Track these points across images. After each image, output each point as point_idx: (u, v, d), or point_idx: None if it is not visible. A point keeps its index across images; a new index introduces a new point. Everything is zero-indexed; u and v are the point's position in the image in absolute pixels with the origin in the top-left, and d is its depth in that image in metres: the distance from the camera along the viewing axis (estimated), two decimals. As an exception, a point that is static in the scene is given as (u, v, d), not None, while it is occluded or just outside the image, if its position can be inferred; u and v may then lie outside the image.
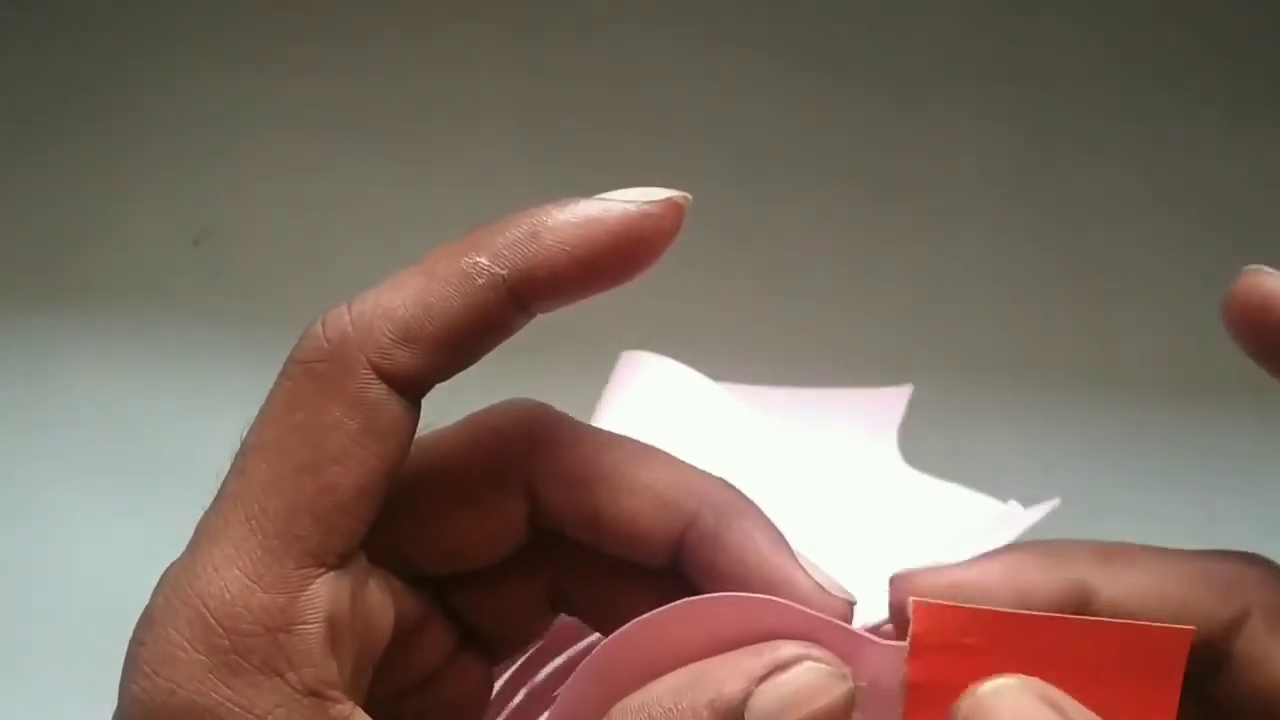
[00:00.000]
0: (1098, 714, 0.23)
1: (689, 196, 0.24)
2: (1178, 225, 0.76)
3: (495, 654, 0.27)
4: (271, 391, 0.24)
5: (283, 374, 0.24)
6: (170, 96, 0.75)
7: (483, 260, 0.23)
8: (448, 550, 0.26)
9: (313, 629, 0.22)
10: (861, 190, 0.75)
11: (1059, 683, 0.23)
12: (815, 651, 0.23)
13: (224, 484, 0.24)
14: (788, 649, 0.23)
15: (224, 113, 0.75)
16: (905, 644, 0.23)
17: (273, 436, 0.23)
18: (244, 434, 0.24)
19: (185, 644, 0.22)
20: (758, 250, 0.73)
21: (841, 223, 0.74)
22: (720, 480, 0.26)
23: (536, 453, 0.25)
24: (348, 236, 0.72)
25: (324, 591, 0.22)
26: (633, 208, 0.23)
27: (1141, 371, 0.73)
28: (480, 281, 0.23)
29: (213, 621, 0.22)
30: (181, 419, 0.68)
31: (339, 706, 0.22)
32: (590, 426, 0.26)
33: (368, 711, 0.23)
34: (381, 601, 0.24)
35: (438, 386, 0.24)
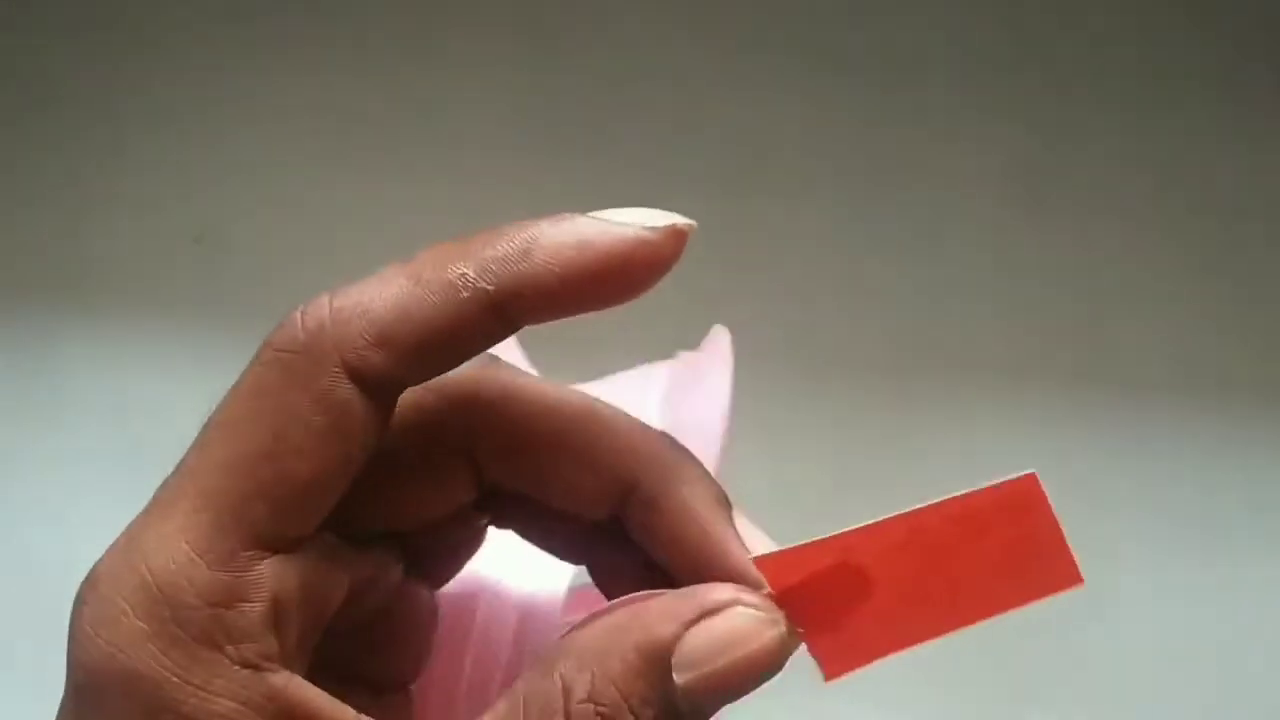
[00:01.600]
0: (999, 581, 0.23)
1: (693, 224, 0.24)
2: (1178, 225, 0.76)
3: (439, 577, 0.27)
4: (244, 372, 0.24)
5: (257, 356, 0.24)
6: (171, 96, 0.75)
7: (470, 272, 0.23)
8: (396, 514, 0.26)
9: (255, 607, 0.22)
10: (861, 189, 0.75)
11: (936, 566, 0.23)
12: (747, 596, 0.23)
13: (184, 456, 0.24)
14: (720, 592, 0.23)
15: (224, 112, 0.75)
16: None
17: (236, 416, 0.23)
18: (210, 409, 0.24)
19: (128, 609, 0.22)
20: (756, 248, 0.73)
21: (841, 221, 0.74)
22: (665, 440, 0.25)
23: (478, 417, 0.25)
24: (348, 236, 0.72)
25: (270, 572, 0.22)
26: (630, 232, 0.23)
27: (1140, 371, 0.73)
28: (464, 294, 0.23)
29: (156, 590, 0.22)
30: (182, 418, 0.68)
31: (276, 676, 0.22)
32: (537, 384, 0.26)
33: (317, 655, 0.24)
34: (333, 574, 0.24)
35: None
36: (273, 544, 0.22)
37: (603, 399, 0.26)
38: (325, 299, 0.24)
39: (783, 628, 0.23)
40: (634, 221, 0.23)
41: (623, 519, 0.25)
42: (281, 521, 0.22)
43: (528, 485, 0.25)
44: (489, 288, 0.23)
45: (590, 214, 0.24)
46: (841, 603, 0.23)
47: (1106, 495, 0.69)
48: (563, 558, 0.27)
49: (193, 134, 0.74)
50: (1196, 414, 0.72)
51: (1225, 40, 0.79)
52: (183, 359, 0.70)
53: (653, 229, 0.23)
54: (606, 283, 0.23)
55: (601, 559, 0.26)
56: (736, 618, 0.23)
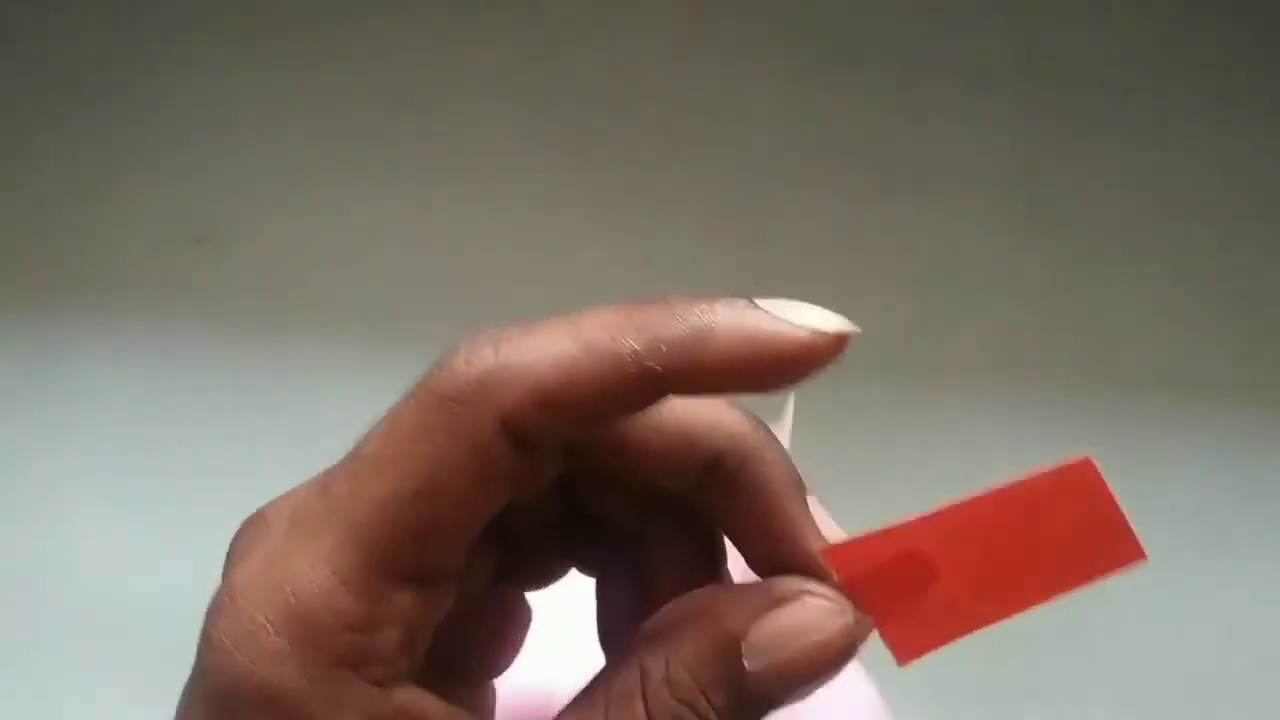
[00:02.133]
0: (1062, 562, 0.23)
1: (857, 330, 0.24)
2: (1178, 225, 0.76)
3: (531, 580, 0.28)
4: (399, 408, 0.24)
5: (414, 396, 0.23)
6: (173, 97, 0.75)
7: (640, 349, 0.23)
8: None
9: (392, 633, 0.23)
10: (861, 187, 0.75)
11: (998, 550, 0.23)
12: (816, 587, 0.24)
13: (332, 480, 0.24)
14: (789, 583, 0.24)
15: (226, 113, 0.75)
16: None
17: (393, 455, 0.23)
18: (359, 436, 0.24)
19: (268, 626, 0.23)
20: (755, 247, 0.73)
21: (841, 221, 0.74)
22: (751, 420, 0.26)
23: None
24: (348, 235, 0.72)
25: (408, 603, 0.23)
26: (802, 335, 0.23)
27: (1140, 371, 0.73)
28: (630, 370, 0.23)
29: (298, 612, 0.23)
30: (183, 416, 0.69)
31: (403, 693, 0.23)
32: None
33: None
34: (450, 586, 0.25)
35: None
36: (414, 577, 0.23)
37: None
38: (489, 347, 0.23)
39: (850, 617, 0.23)
40: (806, 323, 0.23)
41: (701, 493, 0.25)
42: (425, 560, 0.23)
43: (614, 449, 0.25)
44: (657, 368, 0.23)
45: (763, 304, 0.24)
46: (908, 589, 0.24)
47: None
48: (622, 537, 0.27)
49: (194, 136, 0.74)
50: (1196, 414, 0.72)
51: (1226, 42, 0.79)
52: (183, 358, 0.70)
53: (822, 334, 0.23)
54: (769, 376, 0.23)
55: (660, 544, 0.27)
56: (805, 608, 0.23)
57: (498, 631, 0.27)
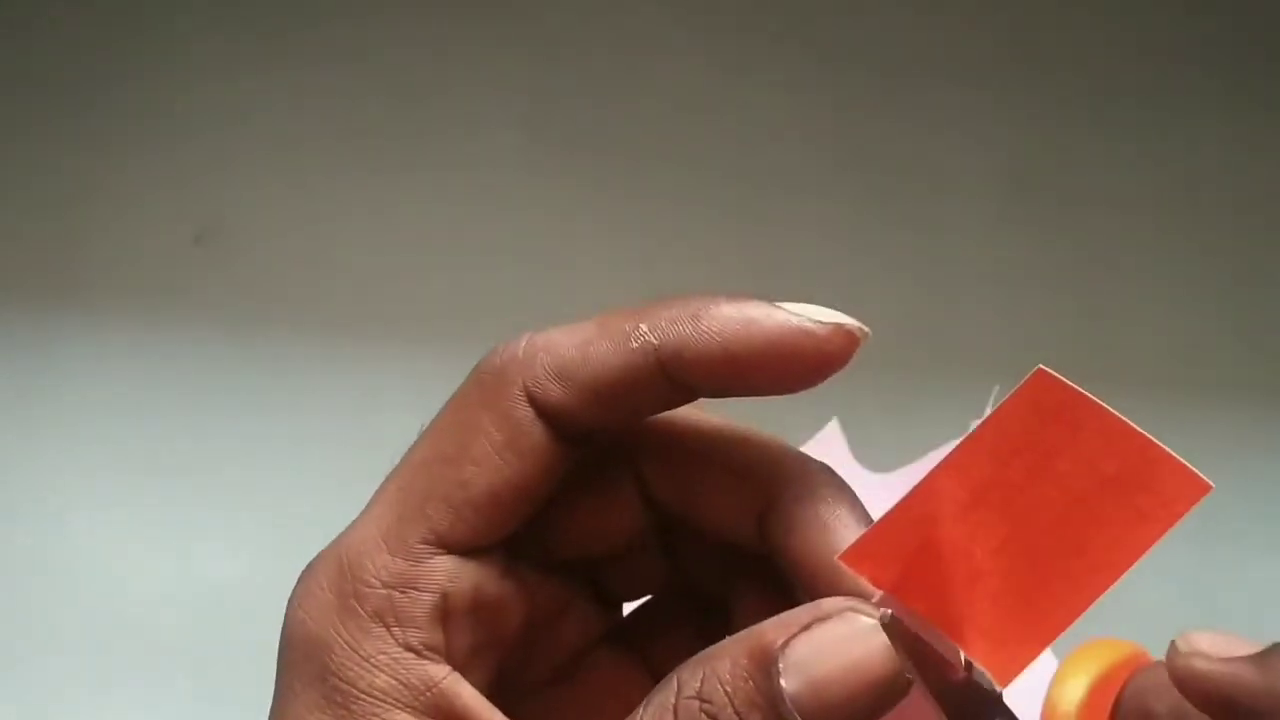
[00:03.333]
0: (1105, 514, 0.22)
1: (866, 330, 0.25)
2: (1178, 224, 0.76)
3: (658, 671, 0.27)
4: (459, 387, 0.26)
5: (468, 376, 0.26)
6: (171, 95, 0.75)
7: (643, 327, 0.24)
8: (572, 532, 0.27)
9: (425, 597, 0.24)
10: (861, 186, 0.75)
11: (1027, 520, 0.21)
12: (859, 605, 0.23)
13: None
14: (833, 602, 0.23)
15: (225, 112, 0.75)
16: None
17: (438, 424, 0.25)
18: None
19: (323, 583, 0.24)
20: (755, 246, 0.73)
21: (841, 220, 0.74)
22: (809, 462, 0.26)
23: (641, 434, 0.26)
24: (347, 235, 0.72)
25: (444, 568, 0.24)
26: (795, 321, 0.24)
27: (1140, 371, 0.73)
28: (634, 345, 0.24)
29: (345, 567, 0.24)
30: (182, 416, 0.69)
31: (436, 667, 0.24)
32: (698, 409, 0.27)
33: (508, 698, 0.25)
34: (514, 593, 0.25)
35: None
36: (448, 543, 0.24)
37: None
38: (526, 334, 0.25)
39: (893, 630, 0.22)
40: (804, 314, 0.24)
41: (763, 538, 0.25)
42: (458, 524, 0.24)
43: (681, 500, 0.26)
44: (655, 343, 0.24)
45: (770, 301, 0.25)
46: (961, 587, 0.22)
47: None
48: (712, 596, 0.27)
49: (193, 134, 0.74)
50: (1196, 414, 0.72)
51: (1226, 40, 0.79)
52: (183, 358, 0.70)
53: (818, 323, 0.24)
54: (768, 366, 0.24)
55: (749, 604, 0.26)
56: (844, 624, 0.22)
57: (601, 707, 0.27)
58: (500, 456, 0.24)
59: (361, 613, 0.24)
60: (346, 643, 0.24)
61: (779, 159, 0.76)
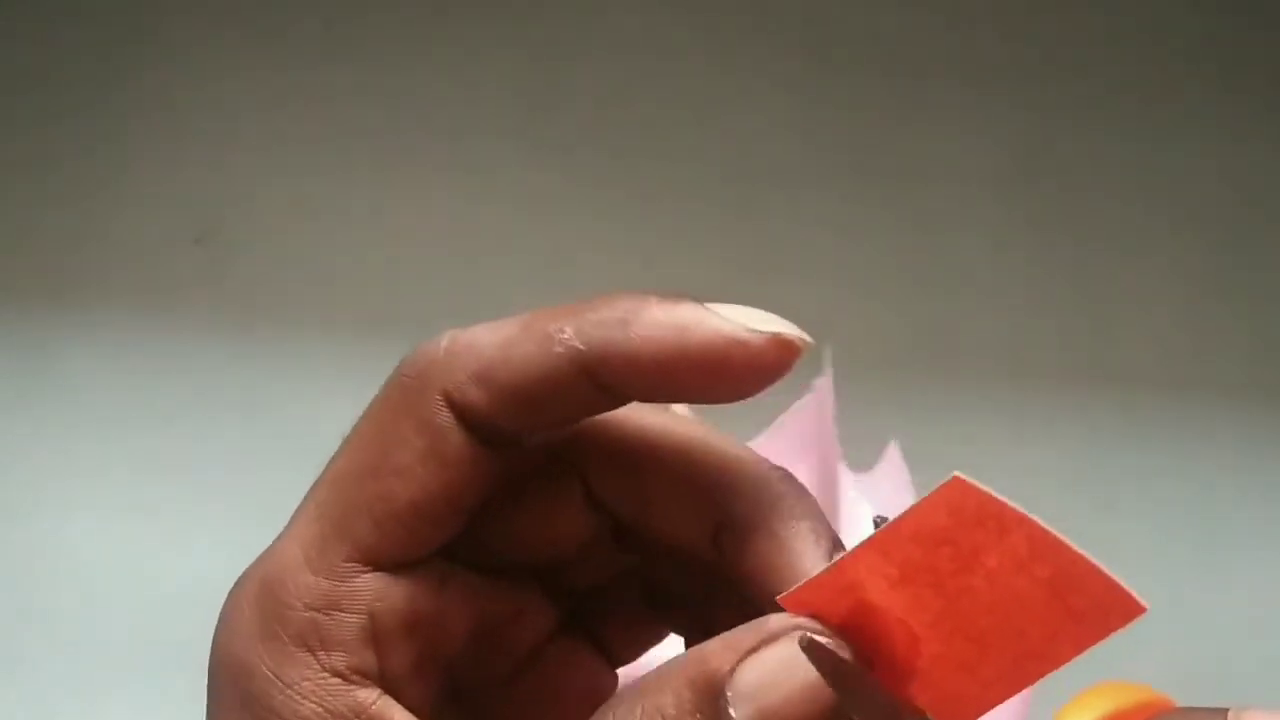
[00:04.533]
0: (1014, 601, 0.20)
1: (804, 338, 0.23)
2: (1178, 224, 0.76)
3: (617, 652, 0.27)
4: (380, 390, 0.24)
5: (389, 378, 0.24)
6: (171, 95, 0.75)
7: (568, 330, 0.23)
8: (516, 538, 0.25)
9: (351, 618, 0.23)
10: (861, 187, 0.75)
11: (956, 605, 0.20)
12: (808, 622, 0.21)
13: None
14: (779, 620, 0.21)
15: (225, 112, 0.75)
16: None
17: (359, 433, 0.24)
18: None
19: (245, 605, 0.23)
20: (754, 246, 0.73)
21: (840, 219, 0.74)
22: (773, 472, 0.24)
23: (588, 437, 0.25)
24: (348, 236, 0.72)
25: (371, 586, 0.23)
26: (727, 328, 0.22)
27: (1139, 370, 0.73)
28: (558, 349, 0.23)
29: (267, 588, 0.23)
30: (182, 417, 0.68)
31: (365, 691, 0.23)
32: (653, 412, 0.25)
33: (460, 699, 0.24)
34: (455, 604, 0.24)
35: None
36: (375, 560, 0.23)
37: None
38: (452, 331, 0.24)
39: (846, 654, 0.21)
40: (740, 320, 0.23)
41: (719, 552, 0.24)
42: (384, 539, 0.23)
43: (630, 507, 0.25)
44: (580, 346, 0.23)
45: (706, 304, 0.23)
46: (901, 645, 0.21)
47: (1106, 495, 0.69)
48: (675, 610, 0.26)
49: (193, 134, 0.74)
50: (1196, 414, 0.72)
51: (1227, 40, 0.79)
52: (183, 359, 0.70)
53: (753, 331, 0.22)
54: (698, 374, 0.22)
55: (709, 614, 0.25)
56: (795, 645, 0.21)
57: (559, 696, 0.26)
58: (423, 466, 0.23)
59: (284, 637, 0.23)
60: (269, 669, 0.22)
61: (779, 158, 0.75)
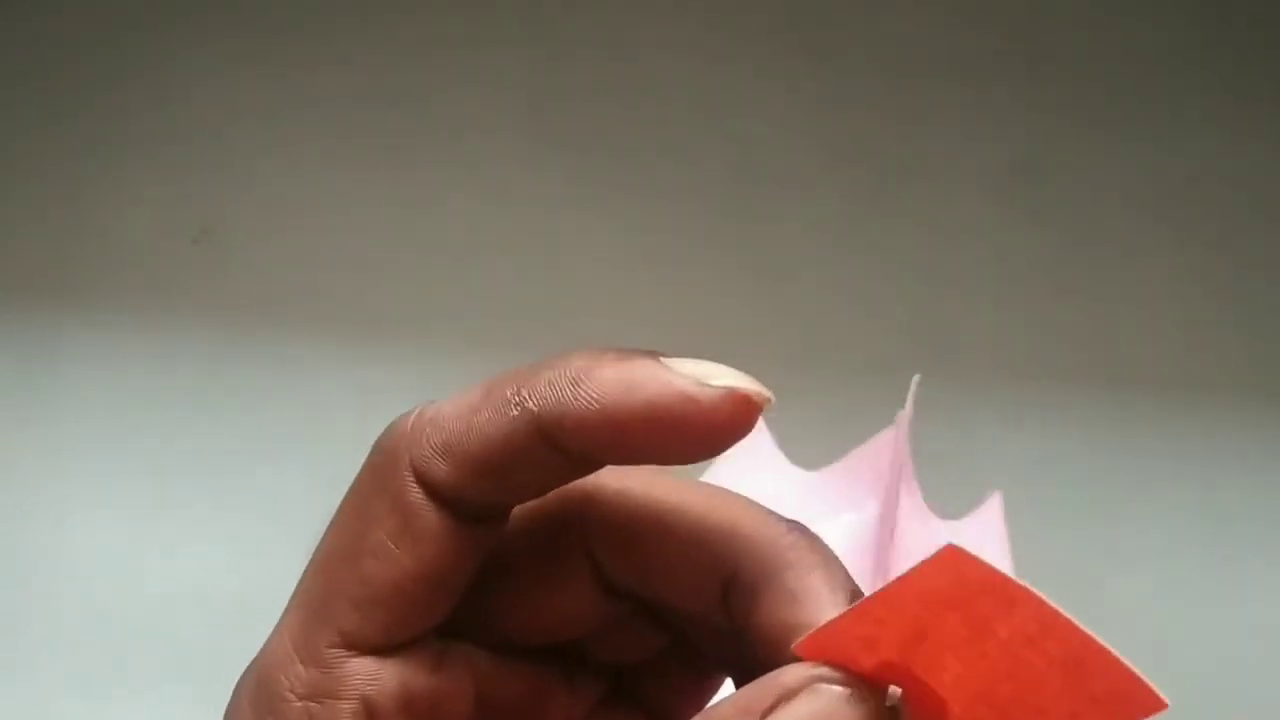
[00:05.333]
0: (1029, 672, 0.20)
1: (766, 395, 0.22)
2: (1178, 224, 0.76)
3: (671, 714, 0.26)
4: (360, 468, 0.24)
5: (368, 455, 0.24)
6: (170, 95, 0.75)
7: (523, 392, 0.22)
8: (528, 623, 0.25)
9: (344, 704, 0.22)
10: (861, 186, 0.75)
11: (972, 672, 0.20)
12: (826, 671, 0.20)
13: None
14: (794, 672, 0.20)
15: (224, 112, 0.75)
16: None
17: (338, 515, 0.24)
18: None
19: (245, 700, 0.23)
20: (755, 247, 0.73)
21: (840, 219, 0.74)
22: (782, 526, 0.23)
23: (591, 508, 0.24)
24: (347, 236, 0.72)
25: (362, 671, 0.23)
26: (679, 384, 0.21)
27: (1140, 371, 0.73)
28: (514, 413, 0.22)
29: (262, 683, 0.23)
30: (181, 417, 0.68)
31: None
32: (659, 478, 0.24)
33: None
34: (456, 683, 0.24)
35: None
36: (359, 644, 0.23)
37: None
38: (419, 407, 0.23)
39: (869, 704, 0.20)
40: (694, 375, 0.22)
41: (729, 615, 0.23)
42: (365, 622, 0.23)
43: (636, 577, 0.24)
44: (534, 409, 0.22)
45: (664, 359, 0.22)
46: (930, 707, 0.20)
47: (1106, 495, 0.69)
48: (694, 677, 0.26)
49: (193, 133, 0.74)
50: (1196, 414, 0.72)
51: (1227, 40, 0.79)
52: (182, 359, 0.70)
53: (704, 386, 0.21)
54: (650, 433, 0.22)
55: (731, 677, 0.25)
56: (816, 698, 0.20)
57: None
58: (397, 545, 0.22)
59: None
60: None
61: (780, 158, 0.75)
